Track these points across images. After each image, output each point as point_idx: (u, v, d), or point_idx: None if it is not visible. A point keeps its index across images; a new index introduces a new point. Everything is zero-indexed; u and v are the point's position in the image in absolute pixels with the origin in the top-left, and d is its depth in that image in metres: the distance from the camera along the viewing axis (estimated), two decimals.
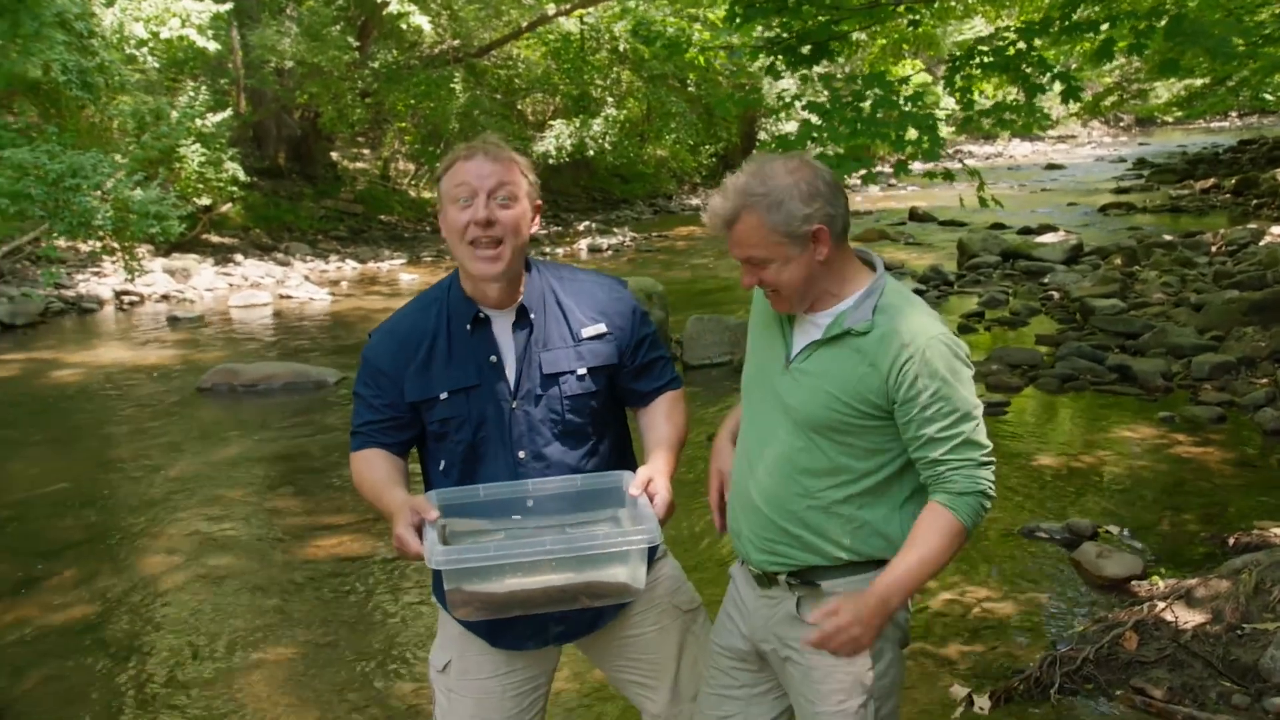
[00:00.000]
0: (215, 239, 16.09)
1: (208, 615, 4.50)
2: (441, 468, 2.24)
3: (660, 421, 2.33)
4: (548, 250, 18.18)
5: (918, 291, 11.64)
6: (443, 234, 2.18)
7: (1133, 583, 4.42)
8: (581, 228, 21.69)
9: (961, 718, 3.52)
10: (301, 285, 13.79)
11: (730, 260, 13.50)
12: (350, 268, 16.02)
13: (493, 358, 2.20)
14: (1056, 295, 11.07)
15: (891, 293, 2.06)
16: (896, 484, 2.07)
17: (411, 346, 2.22)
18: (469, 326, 2.21)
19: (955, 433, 1.97)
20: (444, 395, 2.19)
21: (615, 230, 20.12)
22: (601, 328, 2.26)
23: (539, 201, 2.21)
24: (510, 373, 2.21)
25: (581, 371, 2.23)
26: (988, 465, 2.02)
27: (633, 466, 2.31)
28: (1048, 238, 14.76)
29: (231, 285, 13.99)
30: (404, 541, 2.00)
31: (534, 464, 2.20)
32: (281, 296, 13.31)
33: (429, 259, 17.19)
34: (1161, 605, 3.93)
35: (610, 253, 18.11)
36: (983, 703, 3.58)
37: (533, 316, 2.22)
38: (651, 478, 2.13)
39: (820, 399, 2.03)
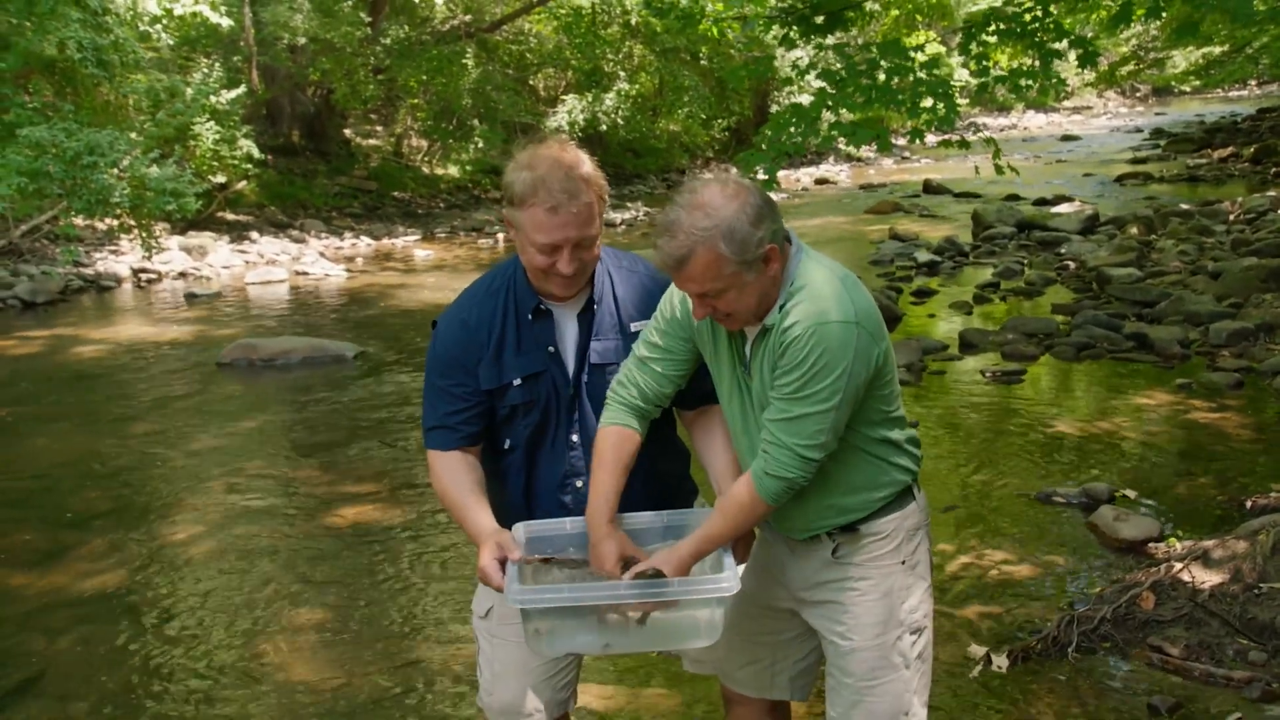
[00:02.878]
0: (230, 216, 16.15)
1: (235, 582, 4.57)
2: (507, 445, 2.37)
3: (718, 454, 2.35)
4: None
5: (931, 264, 11.65)
6: (510, 235, 2.26)
7: (1150, 545, 4.44)
8: None
9: (980, 677, 3.57)
10: (317, 262, 13.84)
11: None
12: (365, 244, 16.07)
13: (550, 348, 2.31)
14: (1072, 265, 11.03)
15: (799, 277, 2.07)
16: (878, 427, 2.18)
17: (483, 334, 2.31)
18: (530, 316, 2.31)
19: (795, 412, 2.02)
20: (517, 381, 2.30)
21: (628, 205, 20.08)
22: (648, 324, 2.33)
23: (606, 203, 2.26)
24: (569, 360, 2.33)
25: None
26: (809, 461, 2.04)
27: (680, 461, 2.48)
28: (1063, 208, 14.69)
29: (248, 262, 14.05)
30: (487, 574, 2.14)
31: (586, 447, 2.33)
32: (297, 273, 13.37)
33: (443, 235, 17.23)
34: (1179, 566, 3.95)
35: (623, 227, 18.10)
36: (1001, 661, 3.62)
37: (596, 308, 2.32)
38: None
39: (764, 395, 2.12)
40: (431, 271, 13.62)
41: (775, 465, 2.04)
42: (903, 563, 2.23)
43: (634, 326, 2.33)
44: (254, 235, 15.47)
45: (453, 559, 4.68)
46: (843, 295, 2.05)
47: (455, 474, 2.31)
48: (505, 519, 2.43)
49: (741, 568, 2.26)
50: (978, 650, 3.69)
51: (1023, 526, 4.82)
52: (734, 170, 2.21)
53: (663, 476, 2.44)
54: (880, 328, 2.10)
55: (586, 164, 2.21)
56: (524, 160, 2.19)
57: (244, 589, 4.50)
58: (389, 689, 3.66)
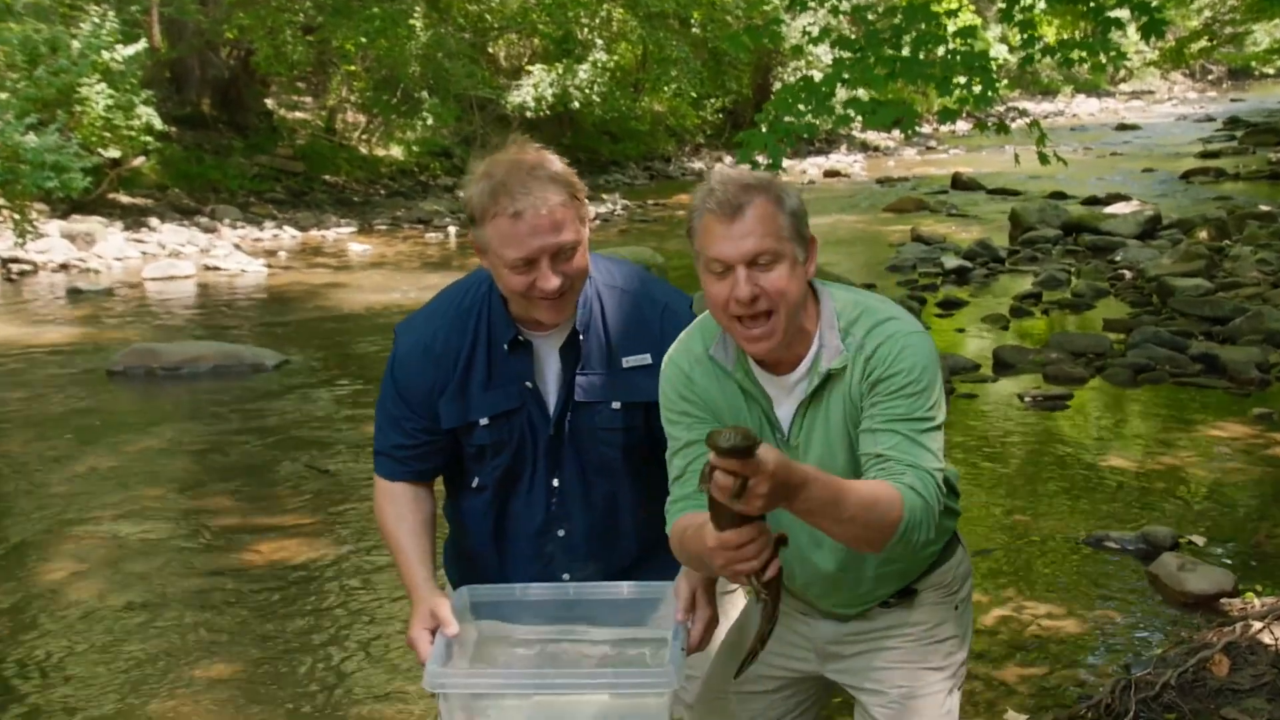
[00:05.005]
0: (125, 199, 16.09)
1: (126, 632, 4.52)
2: (475, 484, 2.44)
3: None
4: None
5: (960, 271, 11.77)
6: (482, 262, 2.28)
7: (1222, 600, 4.47)
8: None
9: None
10: (231, 255, 13.82)
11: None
12: (289, 236, 16.05)
13: (528, 383, 2.34)
14: (1128, 274, 11.16)
15: (848, 305, 2.13)
16: None
17: (447, 366, 2.35)
18: (506, 347, 2.33)
19: (919, 437, 2.04)
20: (484, 421, 2.35)
21: (604, 197, 20.17)
22: (646, 358, 2.35)
23: (586, 208, 2.28)
24: (550, 397, 2.36)
25: (616, 406, 2.36)
26: (939, 487, 2.04)
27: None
28: (1118, 208, 14.86)
29: (146, 254, 14.00)
30: (415, 645, 2.23)
31: (568, 493, 2.40)
32: (207, 268, 13.34)
33: (383, 227, 17.24)
34: (1258, 625, 3.98)
35: (598, 223, 18.16)
36: None
37: (581, 339, 2.34)
38: (694, 591, 2.24)
39: (842, 460, 2.11)
40: (369, 270, 13.61)
41: (923, 487, 1.99)
42: (956, 609, 2.36)
43: (628, 362, 2.35)
44: (154, 222, 15.41)
45: (394, 604, 4.65)
46: (891, 305, 2.16)
47: (399, 509, 2.39)
48: (471, 567, 2.50)
49: (702, 655, 2.32)
50: (1016, 718, 3.70)
51: (1069, 575, 4.85)
52: (729, 160, 2.22)
53: (655, 517, 2.43)
54: None
55: (554, 162, 2.23)
56: (480, 170, 2.22)
57: (137, 640, 4.45)
58: None
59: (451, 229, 17.01)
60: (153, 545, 5.38)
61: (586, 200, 2.27)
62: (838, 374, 2.09)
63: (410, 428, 2.39)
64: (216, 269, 13.31)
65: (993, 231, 14.56)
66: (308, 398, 7.95)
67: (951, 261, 12.25)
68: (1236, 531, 5.23)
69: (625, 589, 2.37)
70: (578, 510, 2.44)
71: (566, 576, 2.47)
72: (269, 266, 13.58)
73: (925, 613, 2.32)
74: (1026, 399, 7.43)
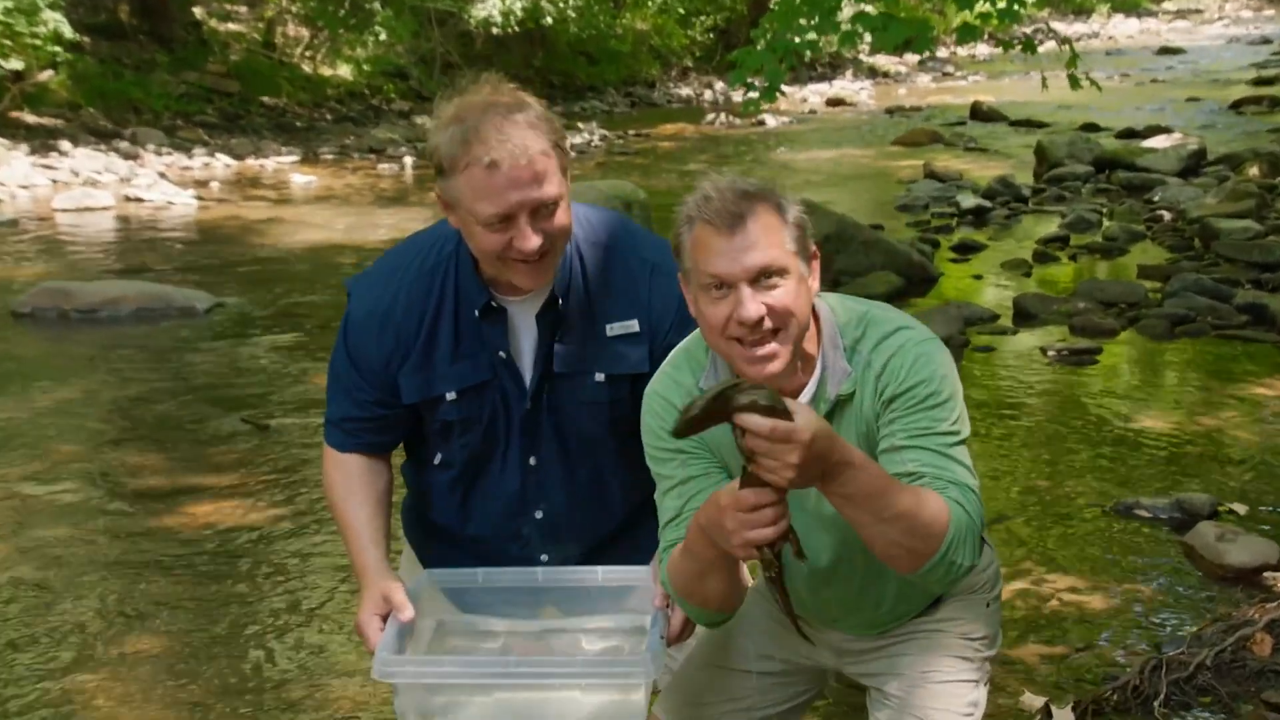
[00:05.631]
0: (31, 119, 15.90)
1: (39, 602, 4.52)
2: (437, 461, 2.46)
3: None
4: None
5: (979, 211, 11.78)
6: (449, 219, 2.25)
7: (1265, 574, 4.52)
8: None
9: None
10: (156, 185, 13.71)
11: (734, 166, 13.64)
12: (223, 164, 15.93)
13: (501, 353, 2.34)
14: (1167, 215, 11.19)
15: (850, 320, 2.14)
16: None
17: (408, 334, 2.34)
18: (477, 314, 2.31)
19: (948, 451, 2.06)
20: (451, 396, 2.35)
21: (580, 126, 20.05)
22: (633, 325, 2.36)
23: (569, 157, 2.25)
24: (526, 369, 2.35)
25: (600, 378, 2.35)
26: (978, 505, 2.06)
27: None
28: (1157, 141, 14.86)
29: (56, 182, 13.89)
30: (363, 632, 2.27)
31: (547, 472, 2.42)
32: (128, 199, 13.24)
33: (330, 156, 17.12)
34: None
35: (573, 155, 17.99)
36: (1063, 716, 3.66)
37: (560, 304, 2.32)
38: None
39: None
40: (314, 204, 13.53)
41: (969, 503, 2.01)
42: (987, 606, 2.43)
43: (611, 329, 2.34)
44: (65, 146, 15.25)
45: (338, 571, 4.66)
46: (897, 314, 2.17)
47: (349, 483, 2.41)
48: (435, 536, 2.54)
49: (684, 645, 2.36)
50: (1034, 700, 3.73)
51: (1095, 546, 4.89)
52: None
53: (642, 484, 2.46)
54: None
55: (533, 105, 2.20)
56: (448, 114, 2.18)
57: (52, 611, 4.44)
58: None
59: (408, 159, 16.89)
60: (67, 508, 5.37)
61: (569, 148, 2.23)
62: (847, 399, 2.09)
63: (363, 399, 2.39)
64: (139, 200, 13.19)
65: (1015, 168, 14.55)
66: (244, 346, 7.92)
67: (969, 201, 12.25)
68: None
69: (600, 574, 2.40)
70: (557, 490, 2.45)
71: (545, 558, 2.49)
72: (200, 199, 13.47)
73: (952, 609, 2.37)
74: (1050, 353, 7.45)
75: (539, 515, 2.46)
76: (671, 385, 2.19)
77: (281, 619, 4.39)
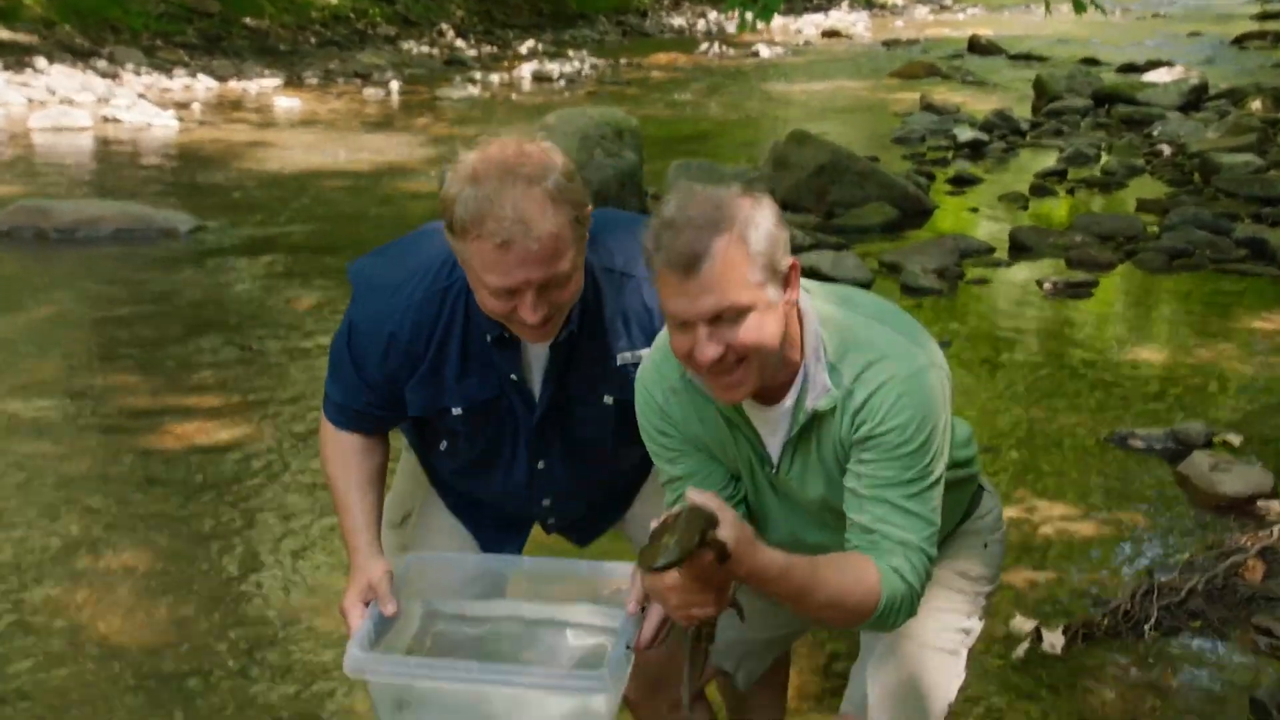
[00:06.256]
0: (4, 35, 15.72)
1: (20, 517, 4.51)
2: (444, 449, 2.48)
3: None
4: (478, 77, 17.97)
5: (975, 144, 11.72)
6: (461, 267, 2.21)
7: (1258, 503, 4.54)
8: (524, 49, 21.41)
9: (1026, 657, 3.64)
10: (135, 106, 13.58)
11: (727, 96, 13.57)
12: (204, 86, 15.79)
13: (513, 376, 2.34)
14: (1167, 150, 11.17)
15: (835, 335, 2.09)
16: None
17: (416, 354, 2.33)
18: (490, 339, 2.29)
19: (911, 506, 2.07)
20: (457, 410, 2.37)
21: (570, 54, 19.94)
22: (643, 353, 2.33)
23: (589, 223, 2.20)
24: (535, 390, 2.37)
25: (609, 401, 2.36)
26: (930, 560, 2.08)
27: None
28: (1158, 75, 14.81)
29: (32, 100, 13.77)
30: (345, 616, 2.30)
31: (555, 470, 2.46)
32: (106, 119, 13.11)
33: (315, 81, 16.97)
34: None
35: (563, 83, 17.97)
36: (1054, 640, 3.69)
37: (574, 331, 2.30)
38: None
39: (839, 496, 2.13)
40: (299, 128, 13.43)
41: (910, 570, 2.05)
42: (985, 546, 2.46)
43: (622, 358, 2.33)
44: (40, 63, 15.13)
45: (323, 493, 4.64)
46: (887, 330, 2.10)
47: (345, 459, 2.43)
48: (436, 483, 2.61)
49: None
50: (1024, 625, 3.75)
51: (1088, 475, 4.91)
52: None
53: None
54: (932, 341, 2.19)
55: (554, 171, 2.10)
56: (466, 170, 2.11)
57: (34, 526, 4.44)
58: (237, 650, 3.66)
59: (394, 84, 16.75)
60: (48, 425, 5.35)
61: (590, 209, 2.18)
62: (825, 414, 2.08)
63: (365, 401, 2.40)
64: (117, 121, 13.08)
65: (1013, 101, 14.50)
66: (227, 269, 7.88)
67: (965, 134, 12.21)
68: (1278, 430, 5.29)
69: (585, 568, 2.43)
70: (564, 483, 2.50)
71: (552, 521, 2.62)
72: (180, 121, 13.36)
73: (949, 548, 2.38)
74: (1046, 285, 7.45)
75: (546, 502, 2.54)
76: (657, 379, 2.19)
77: (265, 535, 4.39)
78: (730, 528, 1.82)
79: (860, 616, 2.02)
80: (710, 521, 1.79)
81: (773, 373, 2.04)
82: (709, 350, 1.95)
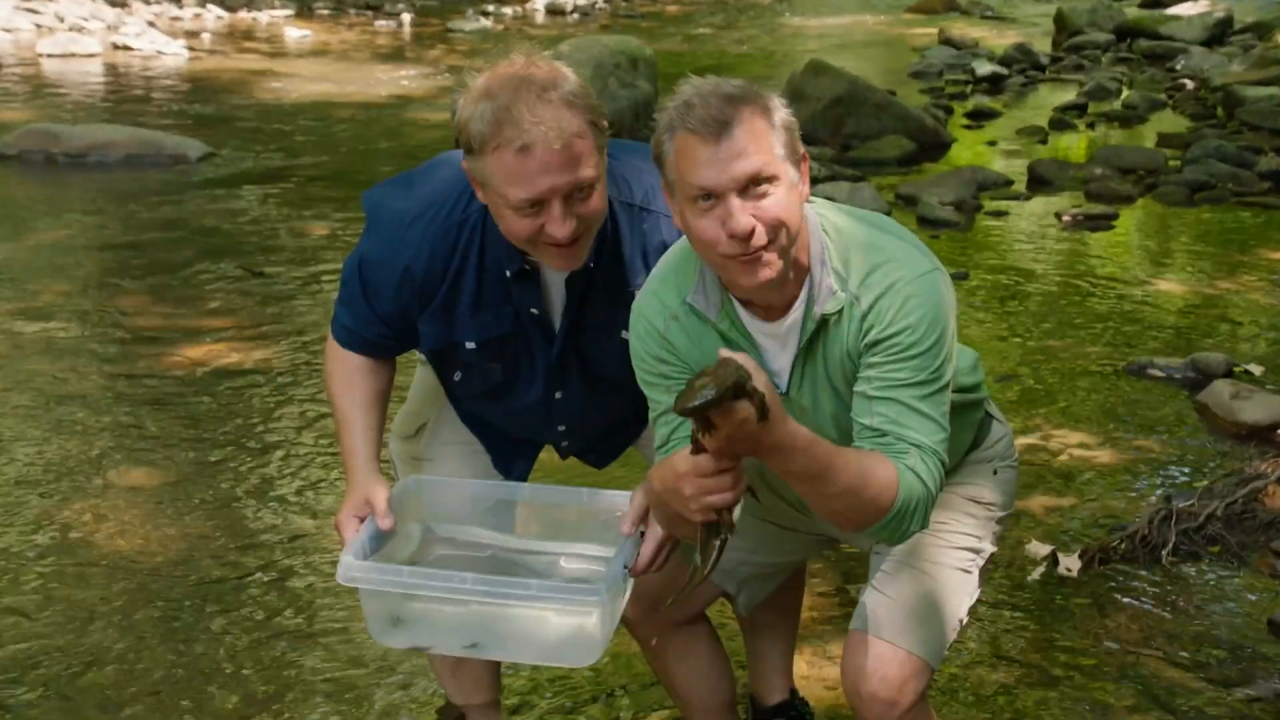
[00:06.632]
0: None
1: (30, 434, 4.52)
2: (458, 379, 2.44)
3: None
4: (491, 9, 17.81)
5: (994, 78, 11.61)
6: (478, 195, 2.17)
7: (1278, 431, 4.51)
8: None
9: (1042, 580, 3.63)
10: (145, 34, 13.51)
11: (743, 31, 13.41)
12: (214, 16, 15.71)
13: (533, 310, 2.30)
14: (1189, 84, 11.08)
15: (840, 239, 2.05)
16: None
17: (431, 287, 2.29)
18: (509, 273, 2.25)
19: (923, 407, 2.03)
20: (471, 345, 2.34)
21: None
22: None
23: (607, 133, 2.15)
24: (555, 321, 2.33)
25: (626, 334, 2.29)
26: (943, 464, 2.05)
27: None
28: (1182, 9, 14.64)
29: (41, 27, 13.67)
30: (340, 530, 2.31)
31: (571, 399, 2.43)
32: (116, 47, 13.03)
33: (326, 11, 16.85)
34: None
35: (576, 16, 17.80)
36: (1070, 563, 3.68)
37: (592, 266, 2.26)
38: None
39: (847, 415, 2.09)
40: (309, 58, 13.34)
41: (926, 471, 2.01)
42: (994, 473, 2.43)
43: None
44: None
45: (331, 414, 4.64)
46: (889, 237, 2.08)
47: (349, 377, 2.41)
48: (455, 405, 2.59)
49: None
50: (1040, 548, 3.74)
51: (1106, 404, 4.88)
52: None
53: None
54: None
55: (568, 80, 2.08)
56: (479, 89, 2.08)
57: (42, 444, 4.44)
58: (247, 565, 3.67)
59: (405, 17, 16.62)
60: (59, 344, 5.34)
61: (606, 124, 2.13)
62: (833, 319, 2.03)
63: (374, 329, 2.37)
64: (127, 48, 13.02)
65: (1034, 37, 14.34)
66: (238, 195, 7.84)
67: (984, 68, 12.09)
68: None
69: (585, 496, 2.42)
70: (580, 411, 2.48)
71: (565, 444, 2.58)
72: (190, 49, 13.28)
73: (959, 475, 2.36)
74: (1065, 218, 7.38)
75: (561, 428, 2.51)
76: (655, 303, 2.14)
77: (271, 457, 4.38)
78: (764, 385, 1.76)
79: (877, 511, 1.96)
80: (744, 374, 1.72)
81: (785, 276, 2.00)
82: (741, 220, 1.91)
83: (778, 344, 2.10)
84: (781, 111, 1.97)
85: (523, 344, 2.35)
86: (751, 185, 1.91)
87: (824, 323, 2.05)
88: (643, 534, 2.23)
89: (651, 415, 2.21)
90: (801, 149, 2.00)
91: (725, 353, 1.78)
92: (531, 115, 2.01)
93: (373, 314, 2.35)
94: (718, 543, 1.94)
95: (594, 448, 2.68)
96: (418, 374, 2.69)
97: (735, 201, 1.91)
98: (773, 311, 2.07)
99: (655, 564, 2.21)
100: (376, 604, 2.26)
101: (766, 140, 1.92)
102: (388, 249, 2.29)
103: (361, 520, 2.29)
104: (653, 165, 2.21)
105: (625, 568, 2.19)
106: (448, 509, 2.49)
